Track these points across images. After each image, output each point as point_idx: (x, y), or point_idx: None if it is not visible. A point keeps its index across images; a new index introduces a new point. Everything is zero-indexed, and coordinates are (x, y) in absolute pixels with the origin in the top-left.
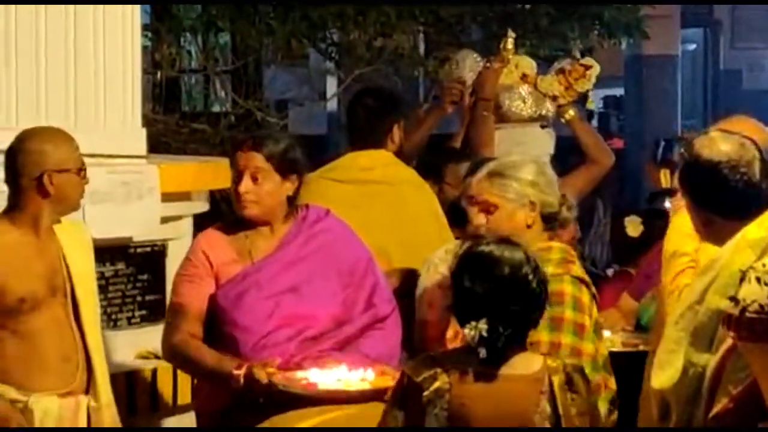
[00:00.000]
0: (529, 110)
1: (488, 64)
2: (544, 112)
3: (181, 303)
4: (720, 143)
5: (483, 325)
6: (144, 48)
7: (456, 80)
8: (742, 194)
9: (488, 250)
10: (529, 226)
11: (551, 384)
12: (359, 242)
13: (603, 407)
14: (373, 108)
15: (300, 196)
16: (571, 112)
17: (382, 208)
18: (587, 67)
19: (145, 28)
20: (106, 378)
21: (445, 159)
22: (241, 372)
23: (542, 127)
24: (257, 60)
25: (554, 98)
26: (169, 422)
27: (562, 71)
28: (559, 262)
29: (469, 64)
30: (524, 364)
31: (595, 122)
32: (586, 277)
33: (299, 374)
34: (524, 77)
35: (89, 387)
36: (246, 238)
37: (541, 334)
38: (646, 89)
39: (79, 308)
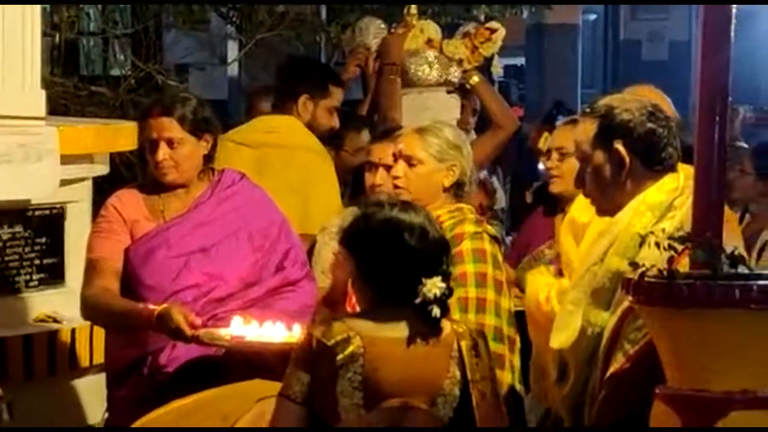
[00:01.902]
0: (435, 75)
1: (393, 31)
2: (450, 77)
3: (94, 259)
4: (632, 101)
5: (441, 284)
6: (43, 10)
7: (361, 46)
8: (667, 143)
9: (405, 214)
10: (446, 189)
11: (460, 349)
12: (273, 207)
13: (516, 360)
14: (284, 72)
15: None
16: (475, 78)
17: (282, 174)
18: (492, 31)
19: None
20: None
21: (345, 126)
22: (157, 309)
23: (448, 92)
24: (157, 23)
25: (460, 62)
26: (67, 386)
27: (467, 35)
28: (476, 221)
29: (373, 31)
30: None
31: None
32: (498, 236)
33: (222, 331)
34: (429, 42)
35: None
36: (159, 198)
37: (469, 291)
38: (547, 59)
39: None
